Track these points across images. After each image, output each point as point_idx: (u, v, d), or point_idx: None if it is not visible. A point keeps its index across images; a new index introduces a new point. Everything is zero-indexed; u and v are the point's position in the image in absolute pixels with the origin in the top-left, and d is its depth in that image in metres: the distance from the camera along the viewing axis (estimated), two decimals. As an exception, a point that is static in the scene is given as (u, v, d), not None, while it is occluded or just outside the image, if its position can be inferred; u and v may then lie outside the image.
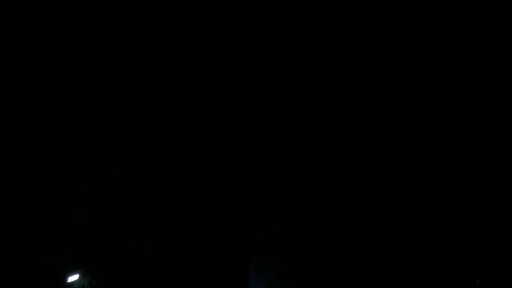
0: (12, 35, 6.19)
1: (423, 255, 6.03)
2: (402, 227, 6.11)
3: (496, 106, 6.24)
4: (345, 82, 6.41)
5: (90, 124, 6.32)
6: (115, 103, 6.36)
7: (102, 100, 6.36)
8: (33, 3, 6.15)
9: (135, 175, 6.28)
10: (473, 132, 6.23)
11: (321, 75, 6.42)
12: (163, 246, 6.12)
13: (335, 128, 6.37)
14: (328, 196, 6.23)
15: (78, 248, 6.09)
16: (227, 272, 6.06)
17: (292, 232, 6.15)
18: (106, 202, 6.22)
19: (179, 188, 6.30)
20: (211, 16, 6.33)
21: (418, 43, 6.33)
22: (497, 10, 6.19)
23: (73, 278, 5.85)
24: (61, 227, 6.15)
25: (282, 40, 6.39)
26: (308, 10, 6.36)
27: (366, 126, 6.35)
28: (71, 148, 6.29)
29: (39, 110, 6.28)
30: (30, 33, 6.22)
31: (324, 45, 6.41)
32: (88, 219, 6.18)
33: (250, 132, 6.36)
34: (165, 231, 6.18)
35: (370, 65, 6.38)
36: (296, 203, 6.22)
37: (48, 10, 6.20)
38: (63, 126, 6.29)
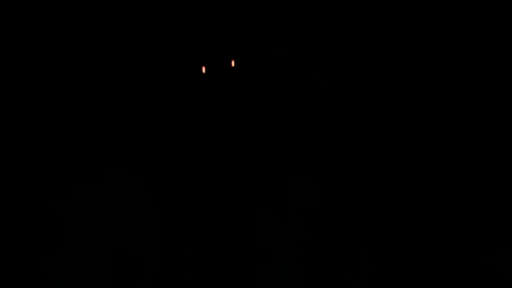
0: (12, 35, 6.20)
1: (423, 255, 6.03)
2: (402, 227, 6.11)
3: (496, 106, 6.24)
4: (345, 82, 6.42)
5: (90, 124, 6.33)
6: (115, 103, 6.37)
7: (102, 100, 6.36)
8: (33, 3, 6.15)
9: (135, 175, 6.28)
10: (473, 132, 6.23)
11: (321, 74, 6.42)
12: (163, 246, 6.12)
13: (335, 128, 6.37)
14: (328, 196, 6.23)
15: (78, 248, 6.09)
16: (227, 272, 6.06)
17: (292, 232, 6.16)
18: (106, 202, 6.22)
19: (179, 188, 6.31)
20: (211, 16, 6.34)
21: (418, 42, 6.34)
22: (497, 10, 6.21)
23: None
24: (61, 227, 6.16)
25: (282, 39, 6.40)
26: (307, 10, 6.37)
27: (366, 126, 6.35)
28: (71, 148, 6.29)
29: (39, 110, 6.29)
30: (30, 33, 6.23)
31: (323, 44, 6.42)
32: (88, 219, 6.18)
33: (250, 132, 6.36)
34: (165, 231, 6.18)
35: (370, 65, 6.39)
36: (296, 203, 6.22)
37: (48, 10, 6.20)
38: (63, 126, 6.30)
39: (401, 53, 6.36)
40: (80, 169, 6.25)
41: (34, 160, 6.21)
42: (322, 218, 6.18)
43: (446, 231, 6.07)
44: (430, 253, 6.03)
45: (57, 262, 6.00)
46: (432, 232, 6.07)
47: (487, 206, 6.05)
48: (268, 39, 6.34)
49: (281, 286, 6.04)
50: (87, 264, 6.01)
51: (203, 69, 6.16)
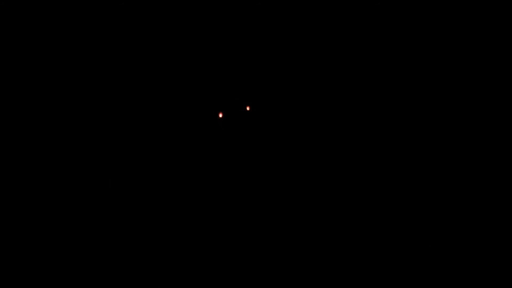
0: (12, 35, 6.22)
1: (423, 255, 6.02)
2: (402, 227, 6.11)
3: (496, 106, 6.25)
4: (346, 82, 6.43)
5: (90, 124, 6.34)
6: (115, 103, 6.38)
7: (102, 100, 6.38)
8: (33, 3, 6.17)
9: (135, 175, 6.29)
10: (473, 132, 6.24)
11: (320, 74, 6.43)
12: (162, 246, 6.13)
13: (335, 127, 6.38)
14: (328, 196, 6.24)
15: (78, 248, 6.10)
16: (227, 271, 6.06)
17: (292, 231, 6.16)
18: (105, 201, 6.24)
19: (179, 188, 6.32)
20: (208, 16, 6.36)
21: (416, 42, 6.34)
22: (497, 10, 6.21)
23: None
24: (61, 227, 6.17)
25: (279, 39, 6.41)
26: (303, 10, 6.38)
27: (366, 125, 6.36)
28: (71, 148, 6.31)
29: (39, 110, 6.30)
30: (30, 33, 6.24)
31: (322, 43, 6.43)
32: (87, 218, 6.19)
33: (249, 132, 6.37)
34: (165, 230, 6.19)
35: (370, 64, 6.39)
36: (296, 202, 6.23)
37: (48, 10, 6.22)
38: (63, 126, 6.32)
39: (401, 52, 6.36)
40: (80, 166, 6.27)
41: (35, 160, 6.22)
42: (322, 217, 6.18)
43: (446, 231, 6.07)
44: (430, 253, 6.03)
45: (56, 262, 6.02)
46: (432, 232, 6.07)
47: (487, 206, 6.05)
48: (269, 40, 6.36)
49: (280, 286, 6.03)
50: (86, 263, 6.03)
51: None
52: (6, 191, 6.17)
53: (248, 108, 6.25)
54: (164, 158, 6.35)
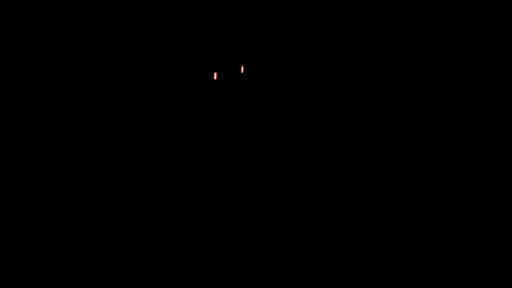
0: (12, 35, 6.23)
1: (423, 255, 6.02)
2: (402, 227, 6.11)
3: (496, 106, 6.24)
4: (346, 82, 6.43)
5: (90, 124, 6.35)
6: (114, 102, 6.39)
7: (101, 100, 6.39)
8: (33, 3, 6.19)
9: (134, 175, 6.30)
10: (473, 132, 6.23)
11: (320, 73, 6.43)
12: (161, 245, 6.14)
13: (335, 126, 6.38)
14: (328, 194, 6.24)
15: (77, 248, 6.10)
16: (226, 269, 6.06)
17: (291, 229, 6.16)
18: (105, 201, 6.24)
19: (178, 187, 6.32)
20: (208, 14, 6.36)
21: (416, 42, 6.34)
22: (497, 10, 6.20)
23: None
24: (62, 227, 6.18)
25: (279, 38, 6.42)
26: (303, 9, 6.39)
27: (366, 125, 6.36)
28: (71, 148, 6.32)
29: (39, 110, 6.31)
30: (30, 33, 6.26)
31: (322, 43, 6.43)
32: (88, 217, 6.20)
33: (247, 132, 6.38)
34: (164, 230, 6.19)
35: (370, 64, 6.39)
36: (295, 201, 6.23)
37: (48, 10, 6.24)
38: (63, 126, 6.33)
39: (400, 54, 6.36)
40: (83, 167, 6.28)
41: (36, 160, 6.23)
42: (321, 216, 6.18)
43: (446, 231, 6.06)
44: (430, 252, 6.02)
45: (57, 262, 6.03)
46: (432, 232, 6.07)
47: (487, 206, 6.05)
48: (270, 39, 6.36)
49: (280, 285, 6.03)
50: (88, 262, 6.04)
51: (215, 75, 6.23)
52: (6, 190, 6.18)
53: (242, 69, 6.11)
54: (164, 157, 6.35)
